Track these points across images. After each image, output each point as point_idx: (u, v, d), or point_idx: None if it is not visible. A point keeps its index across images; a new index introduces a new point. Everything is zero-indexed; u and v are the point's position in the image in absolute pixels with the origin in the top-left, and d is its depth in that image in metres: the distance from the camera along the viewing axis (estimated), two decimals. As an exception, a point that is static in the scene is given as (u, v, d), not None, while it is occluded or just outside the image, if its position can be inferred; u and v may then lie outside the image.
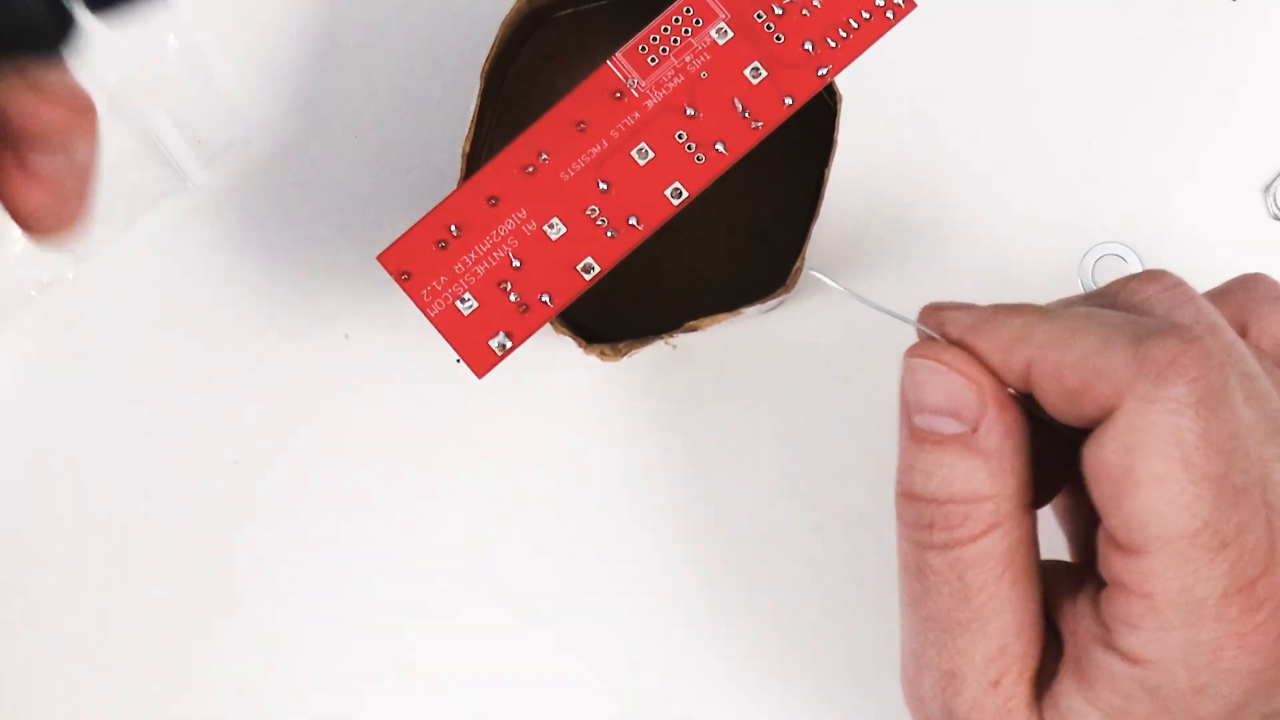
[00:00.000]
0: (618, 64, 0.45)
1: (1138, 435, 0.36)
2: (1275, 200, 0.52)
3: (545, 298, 0.44)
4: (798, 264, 0.47)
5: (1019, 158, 0.53)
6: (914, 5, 0.45)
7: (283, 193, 0.53)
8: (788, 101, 0.45)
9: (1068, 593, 0.40)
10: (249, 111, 0.53)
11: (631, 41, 0.45)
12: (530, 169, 0.44)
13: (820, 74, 0.45)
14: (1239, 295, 0.41)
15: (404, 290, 0.44)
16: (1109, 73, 0.53)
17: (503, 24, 0.48)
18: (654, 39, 0.45)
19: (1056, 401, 0.38)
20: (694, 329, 0.47)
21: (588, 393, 0.52)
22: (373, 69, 0.53)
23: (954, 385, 0.39)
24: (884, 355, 0.52)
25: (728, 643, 0.52)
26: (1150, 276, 0.40)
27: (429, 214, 0.44)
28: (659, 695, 0.52)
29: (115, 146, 0.53)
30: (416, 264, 0.44)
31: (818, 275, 0.42)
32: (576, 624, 0.52)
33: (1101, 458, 0.37)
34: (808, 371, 0.52)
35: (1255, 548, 0.37)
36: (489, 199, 0.44)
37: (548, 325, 0.45)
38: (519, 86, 0.50)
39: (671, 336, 0.48)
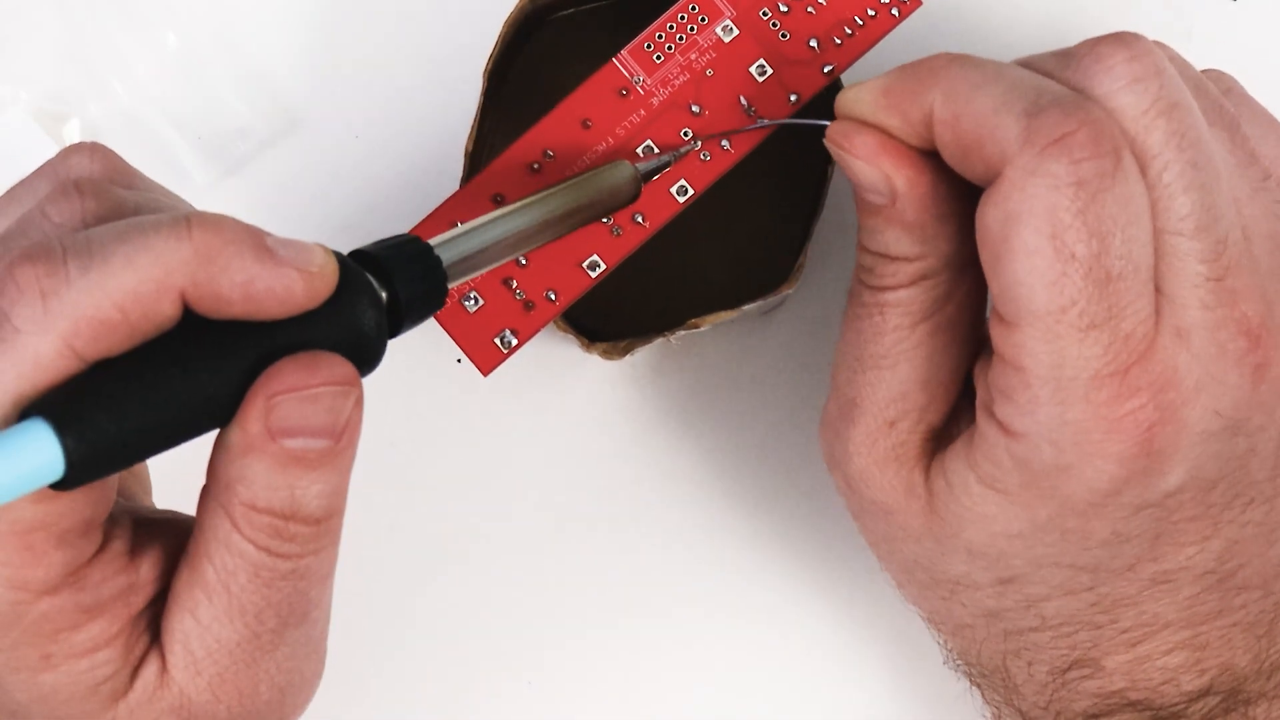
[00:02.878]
0: (623, 61, 0.45)
1: (1015, 205, 0.37)
2: (1276, 199, 0.53)
3: (551, 294, 0.44)
4: (800, 262, 0.48)
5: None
6: (919, 3, 0.45)
7: (284, 192, 0.53)
8: (793, 99, 0.45)
9: (983, 361, 0.40)
10: (249, 110, 0.53)
11: (637, 39, 0.45)
12: (536, 167, 0.44)
13: (826, 71, 0.45)
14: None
15: (410, 287, 0.44)
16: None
17: (505, 23, 0.48)
18: (660, 36, 0.45)
19: (953, 154, 0.39)
20: (696, 327, 0.47)
21: (590, 391, 0.52)
22: (374, 69, 0.53)
23: (858, 169, 0.40)
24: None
25: (728, 640, 0.52)
26: (1121, 40, 0.39)
27: (434, 211, 0.44)
28: (659, 694, 0.52)
29: (116, 145, 0.53)
30: None
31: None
32: (577, 621, 0.52)
33: (985, 223, 0.38)
34: (809, 369, 0.52)
35: (1131, 334, 0.37)
36: (494, 197, 0.44)
37: (550, 324, 0.45)
38: (521, 86, 0.50)
39: (673, 334, 0.48)
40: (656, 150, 0.45)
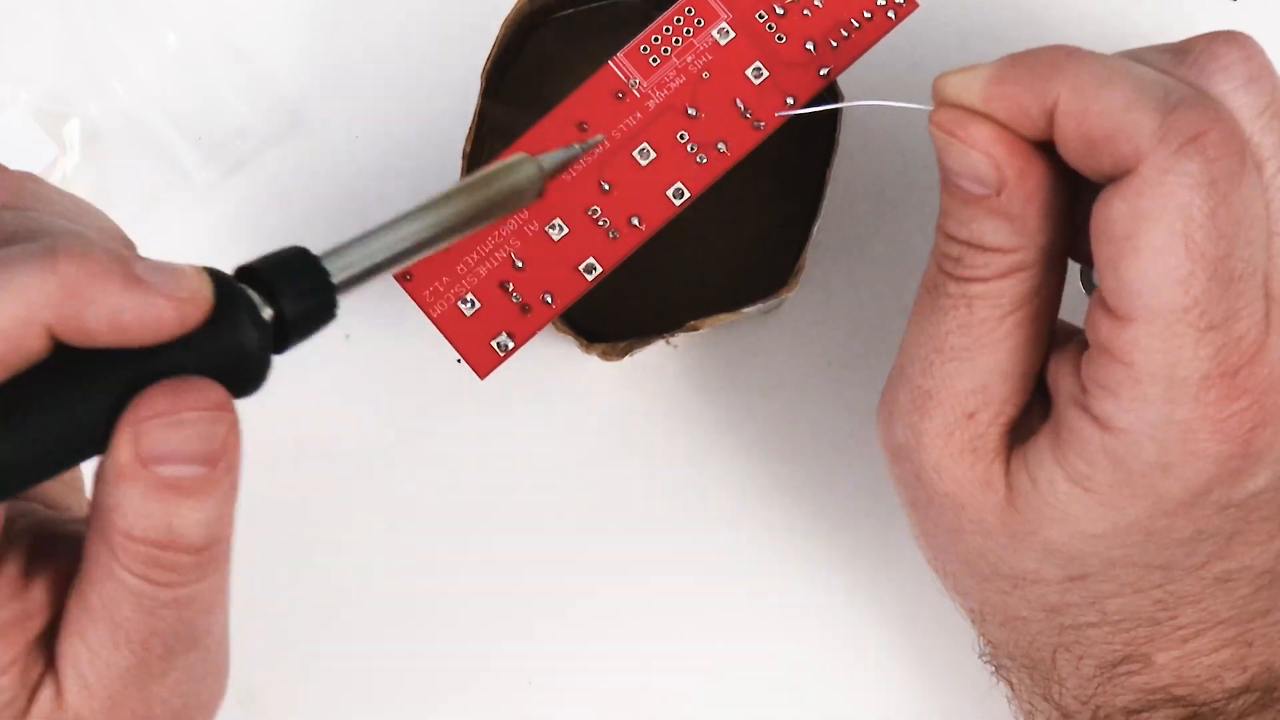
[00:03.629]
0: (619, 64, 0.45)
1: (1147, 202, 0.37)
2: (1276, 200, 0.52)
3: (547, 298, 0.44)
4: (799, 264, 0.48)
5: (1019, 157, 0.53)
6: (915, 5, 0.45)
7: (282, 192, 0.53)
8: (790, 101, 0.45)
9: (1062, 355, 0.40)
10: (248, 110, 0.53)
11: (633, 41, 0.45)
12: None
13: (822, 74, 0.45)
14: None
15: (406, 291, 0.44)
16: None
17: (503, 24, 0.48)
18: (656, 39, 0.45)
19: (1076, 148, 0.38)
20: (695, 329, 0.47)
21: (589, 392, 0.52)
22: (373, 69, 0.53)
23: (970, 158, 0.40)
24: (884, 354, 0.52)
25: (728, 640, 0.52)
26: (1232, 39, 0.39)
27: (431, 214, 0.44)
28: (660, 693, 0.52)
29: (116, 145, 0.53)
30: (418, 264, 0.44)
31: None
32: (577, 622, 0.52)
33: (1109, 218, 0.37)
34: (808, 371, 0.52)
35: (1244, 336, 0.37)
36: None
37: (549, 325, 0.45)
38: (520, 86, 0.50)
39: (673, 336, 0.48)
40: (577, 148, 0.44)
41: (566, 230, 0.44)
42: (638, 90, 0.45)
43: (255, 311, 0.37)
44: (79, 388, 0.35)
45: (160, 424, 0.35)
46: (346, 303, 0.52)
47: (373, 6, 0.53)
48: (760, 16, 0.45)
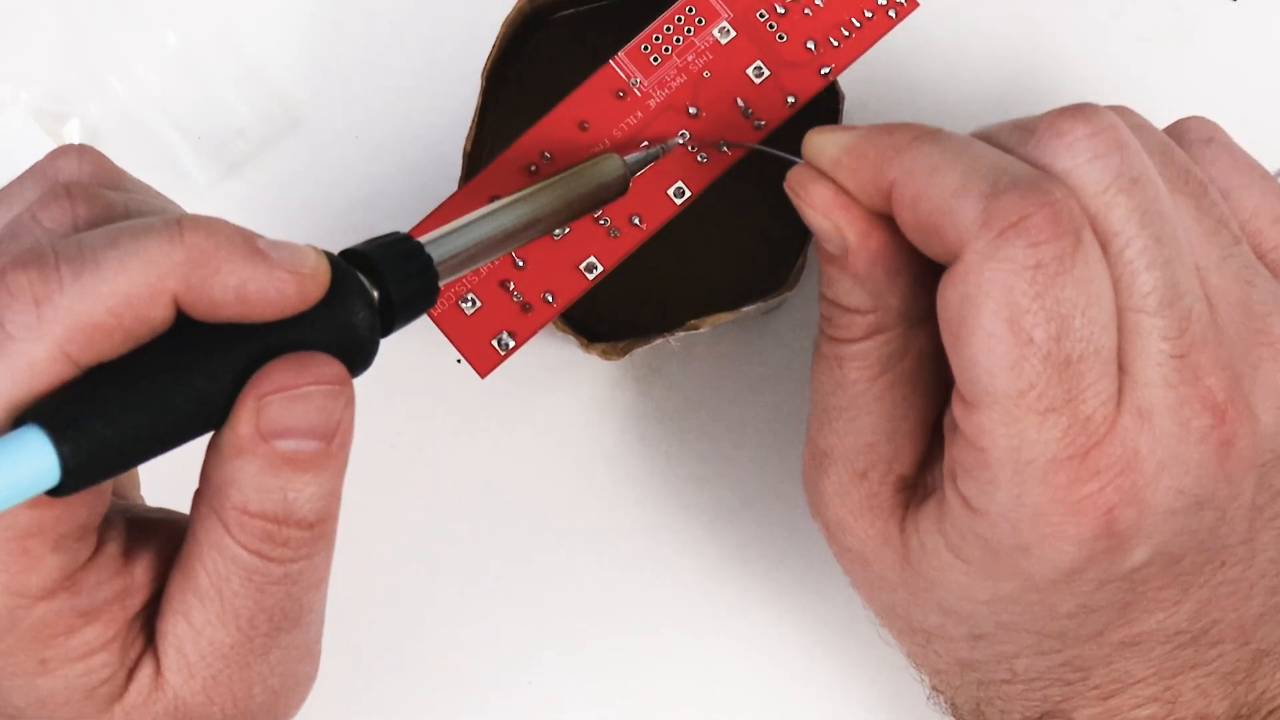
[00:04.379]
0: (620, 63, 0.45)
1: (971, 289, 0.37)
2: (1276, 200, 0.52)
3: (548, 296, 0.44)
4: (799, 263, 0.48)
5: (1019, 157, 0.53)
6: (916, 4, 0.45)
7: (282, 192, 0.53)
8: (790, 100, 0.45)
9: (950, 420, 0.40)
10: (248, 110, 0.53)
11: (634, 40, 0.45)
12: (533, 168, 0.44)
13: (823, 73, 0.45)
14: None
15: (407, 290, 0.44)
16: (1110, 72, 0.53)
17: (503, 24, 0.48)
18: (656, 38, 0.45)
19: (913, 233, 0.38)
20: (695, 328, 0.47)
21: (589, 391, 0.52)
22: (373, 69, 0.53)
23: (812, 219, 0.40)
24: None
25: (728, 640, 0.52)
26: (1080, 114, 0.39)
27: (432, 214, 0.44)
28: (660, 693, 0.52)
29: (116, 145, 0.53)
30: None
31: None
32: (577, 621, 0.52)
33: (945, 303, 0.38)
34: (808, 370, 0.52)
35: (1091, 417, 0.37)
36: (492, 198, 0.44)
37: (549, 324, 0.45)
38: (520, 87, 0.50)
39: (673, 335, 0.48)
40: (645, 144, 0.45)
41: (567, 229, 0.44)
42: (639, 89, 0.45)
43: (366, 293, 0.37)
44: (201, 360, 0.35)
45: (283, 398, 0.35)
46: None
47: (373, 6, 0.53)
48: (761, 16, 0.45)
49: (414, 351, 0.52)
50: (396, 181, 0.53)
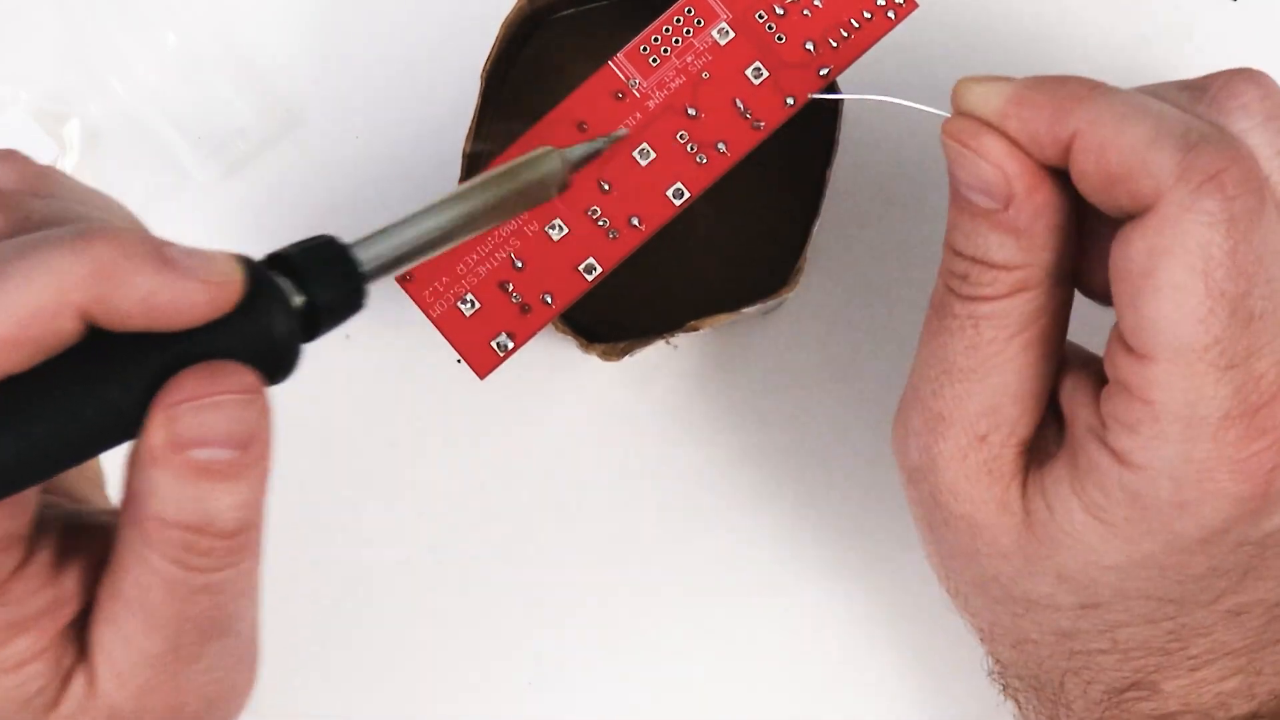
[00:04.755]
0: (619, 64, 0.45)
1: (1166, 240, 0.37)
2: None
3: (547, 298, 0.44)
4: (799, 264, 0.48)
5: (1019, 157, 0.53)
6: (915, 5, 0.45)
7: (282, 192, 0.53)
8: (789, 102, 0.45)
9: (1077, 381, 0.40)
10: (248, 110, 0.53)
11: (633, 42, 0.45)
12: None
13: (822, 74, 0.45)
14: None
15: (406, 291, 0.44)
16: (1110, 72, 0.53)
17: (503, 24, 0.48)
18: (655, 39, 0.45)
19: (1094, 183, 0.38)
20: (695, 329, 0.47)
21: (588, 392, 0.52)
22: (373, 69, 0.53)
23: (981, 169, 0.39)
24: (883, 355, 0.52)
25: (728, 640, 0.52)
26: (1250, 76, 0.39)
27: (430, 215, 0.44)
28: (660, 693, 0.52)
29: (116, 145, 0.53)
30: (418, 265, 0.44)
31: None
32: (577, 622, 0.52)
33: (1128, 255, 0.37)
34: (808, 371, 0.52)
35: (1264, 375, 0.37)
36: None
37: (549, 325, 0.45)
38: (520, 87, 0.50)
39: (672, 336, 0.48)
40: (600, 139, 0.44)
41: (566, 230, 0.44)
42: (638, 90, 0.45)
43: (286, 299, 0.37)
44: (111, 371, 0.35)
45: (193, 408, 0.35)
46: (346, 303, 0.53)
47: (373, 7, 0.53)
48: (760, 16, 0.45)
49: (413, 352, 0.52)
50: (396, 181, 0.53)
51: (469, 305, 0.44)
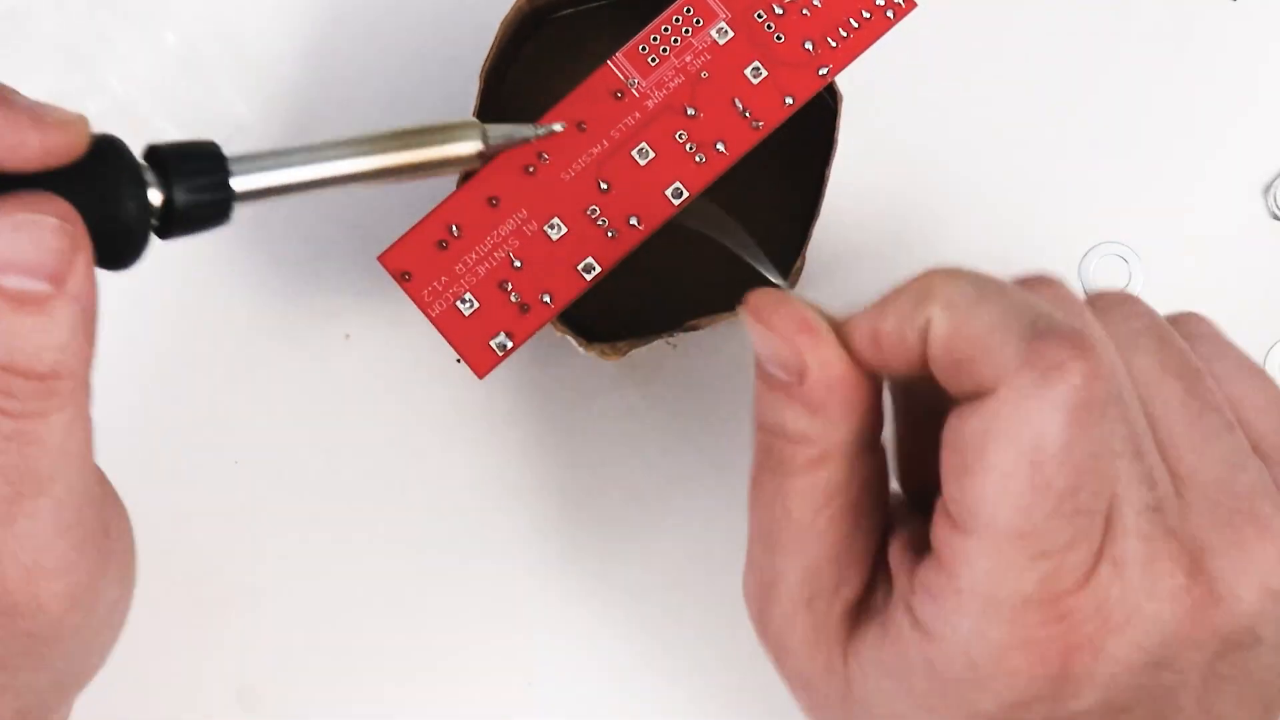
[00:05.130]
0: (618, 64, 0.45)
1: (1002, 424, 0.36)
2: (1275, 200, 0.52)
3: (546, 298, 0.44)
4: (798, 264, 0.48)
5: (1019, 157, 0.53)
6: (914, 5, 0.45)
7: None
8: (788, 101, 0.45)
9: (904, 542, 0.39)
10: (248, 110, 0.53)
11: (632, 41, 0.45)
12: (530, 169, 0.44)
13: (821, 73, 0.45)
14: (1115, 318, 0.40)
15: (405, 291, 0.44)
16: (1110, 73, 0.53)
17: (502, 24, 0.48)
18: (654, 39, 0.45)
19: (941, 366, 0.38)
20: (694, 328, 0.47)
21: (588, 392, 0.52)
22: (372, 69, 0.53)
23: (774, 345, 0.39)
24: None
25: (728, 640, 0.52)
26: (1042, 281, 0.39)
27: (429, 215, 0.44)
28: (660, 693, 0.52)
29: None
30: (417, 264, 0.44)
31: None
32: (578, 621, 0.52)
33: (963, 431, 0.37)
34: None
35: (1076, 566, 0.36)
36: (489, 199, 0.44)
37: (548, 324, 0.45)
38: (519, 87, 0.50)
39: (672, 336, 0.48)
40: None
41: (565, 230, 0.44)
42: (636, 90, 0.45)
43: (139, 182, 0.36)
44: None
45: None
46: (345, 302, 0.53)
47: (373, 6, 0.53)
48: (759, 16, 0.45)
49: (413, 352, 0.52)
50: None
51: (468, 305, 0.44)
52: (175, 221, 0.37)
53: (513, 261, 0.44)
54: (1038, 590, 0.36)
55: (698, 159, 0.45)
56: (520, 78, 0.50)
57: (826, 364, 0.39)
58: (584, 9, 0.50)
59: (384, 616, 0.52)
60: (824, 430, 0.39)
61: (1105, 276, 0.52)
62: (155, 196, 0.37)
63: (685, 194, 0.45)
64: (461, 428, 0.52)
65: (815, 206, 0.48)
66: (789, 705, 0.52)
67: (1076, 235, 0.53)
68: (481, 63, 0.48)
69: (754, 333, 0.39)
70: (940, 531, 0.37)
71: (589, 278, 0.44)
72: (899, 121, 0.53)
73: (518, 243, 0.44)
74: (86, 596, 0.39)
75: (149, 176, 0.37)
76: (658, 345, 0.51)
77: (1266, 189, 0.53)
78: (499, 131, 0.43)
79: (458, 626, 0.52)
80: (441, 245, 0.44)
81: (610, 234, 0.45)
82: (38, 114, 0.35)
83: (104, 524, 0.40)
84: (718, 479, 0.52)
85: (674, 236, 0.46)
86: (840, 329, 0.39)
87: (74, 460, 0.38)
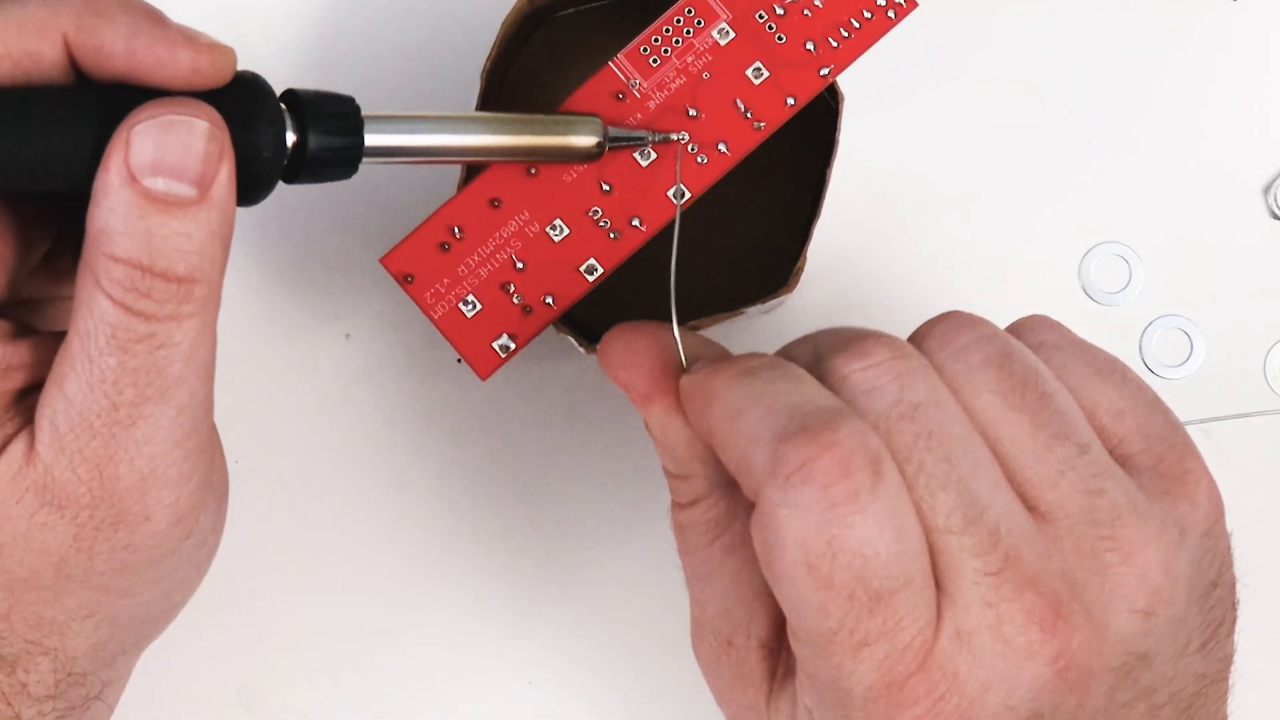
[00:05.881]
0: (619, 65, 0.45)
1: (770, 535, 0.36)
2: (1275, 200, 0.52)
3: (548, 299, 0.44)
4: (799, 264, 0.48)
5: (1019, 157, 0.53)
6: (915, 5, 0.45)
7: (283, 193, 0.53)
8: (790, 102, 0.45)
9: None
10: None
11: (633, 42, 0.45)
12: (533, 171, 0.44)
13: (822, 74, 0.45)
14: (947, 356, 0.39)
15: (407, 293, 0.44)
16: (1110, 72, 0.53)
17: (503, 24, 0.48)
18: (656, 40, 0.45)
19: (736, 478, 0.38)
20: (695, 329, 0.47)
21: (588, 392, 0.52)
22: (373, 70, 0.53)
23: (614, 380, 0.40)
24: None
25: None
26: (859, 348, 0.38)
27: (431, 217, 0.44)
28: (660, 693, 0.52)
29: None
30: (419, 266, 0.44)
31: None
32: (578, 622, 0.52)
33: (755, 540, 0.37)
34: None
35: (909, 645, 0.36)
36: (491, 201, 0.44)
37: (549, 325, 0.45)
38: (520, 87, 0.50)
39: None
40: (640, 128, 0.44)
41: (567, 231, 0.44)
42: (638, 91, 0.45)
43: (278, 119, 0.37)
44: (88, 105, 0.36)
45: (151, 125, 0.35)
46: (347, 303, 0.53)
47: (373, 7, 0.53)
48: (760, 17, 0.45)
49: (414, 353, 0.52)
50: (397, 180, 0.53)
51: (470, 306, 0.44)
52: (305, 165, 0.38)
53: (515, 263, 0.44)
54: (878, 678, 0.36)
55: (700, 160, 0.45)
56: (521, 77, 0.50)
57: (649, 406, 0.39)
58: (585, 9, 0.50)
59: (384, 616, 0.52)
60: (686, 468, 0.39)
61: (1105, 276, 0.52)
62: (289, 138, 0.38)
63: (687, 194, 0.45)
64: (461, 428, 0.52)
65: (816, 207, 0.48)
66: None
67: (1076, 235, 0.53)
68: (483, 62, 0.48)
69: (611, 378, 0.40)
70: (788, 631, 0.37)
71: (591, 279, 0.44)
72: (900, 122, 0.53)
73: (520, 244, 0.44)
74: (190, 514, 0.40)
75: (286, 117, 0.37)
76: (658, 345, 0.51)
77: (1266, 189, 0.53)
78: (619, 132, 0.44)
79: (458, 626, 0.52)
80: (444, 247, 0.44)
81: (612, 235, 0.44)
82: (190, 35, 0.36)
83: (214, 448, 0.41)
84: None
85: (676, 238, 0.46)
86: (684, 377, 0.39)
87: (200, 369, 0.38)
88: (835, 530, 0.35)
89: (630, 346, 0.40)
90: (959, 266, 0.53)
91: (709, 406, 0.38)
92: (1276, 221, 0.53)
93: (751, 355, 0.39)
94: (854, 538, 0.35)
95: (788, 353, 0.39)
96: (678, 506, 0.40)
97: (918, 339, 0.39)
